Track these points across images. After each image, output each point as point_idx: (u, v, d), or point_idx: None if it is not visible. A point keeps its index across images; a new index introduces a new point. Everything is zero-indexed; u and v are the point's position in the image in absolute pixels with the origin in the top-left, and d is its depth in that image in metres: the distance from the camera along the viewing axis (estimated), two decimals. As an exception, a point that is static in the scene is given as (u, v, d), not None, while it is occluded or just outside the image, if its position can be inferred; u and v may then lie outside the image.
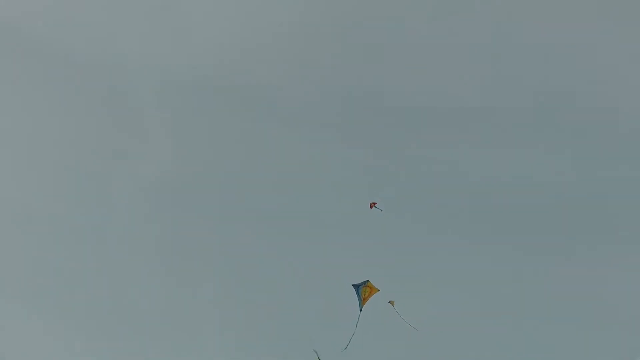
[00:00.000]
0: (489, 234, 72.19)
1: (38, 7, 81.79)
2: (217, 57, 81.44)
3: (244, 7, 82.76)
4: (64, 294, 71.02)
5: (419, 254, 70.44)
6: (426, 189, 74.04)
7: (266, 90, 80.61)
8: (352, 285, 49.95)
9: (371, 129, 77.96)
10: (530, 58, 79.58)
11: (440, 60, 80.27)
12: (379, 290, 49.88)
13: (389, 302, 51.01)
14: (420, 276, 68.48)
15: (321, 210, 73.78)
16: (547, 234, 72.52)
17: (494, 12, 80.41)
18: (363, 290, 49.58)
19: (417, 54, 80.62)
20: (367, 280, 49.70)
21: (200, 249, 73.48)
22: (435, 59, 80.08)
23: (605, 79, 78.18)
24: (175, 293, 71.21)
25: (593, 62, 78.56)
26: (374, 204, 51.89)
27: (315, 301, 68.48)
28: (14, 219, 74.37)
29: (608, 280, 68.91)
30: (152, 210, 75.72)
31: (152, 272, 72.22)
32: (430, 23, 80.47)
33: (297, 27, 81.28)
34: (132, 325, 69.27)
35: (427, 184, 74.35)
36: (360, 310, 49.75)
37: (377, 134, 77.59)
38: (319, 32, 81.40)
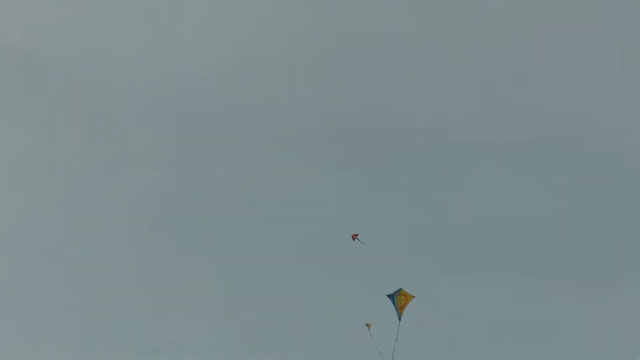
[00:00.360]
0: (488, 267, 72.00)
1: (25, 26, 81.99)
2: (205, 82, 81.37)
3: (234, 32, 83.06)
4: (40, 313, 69.77)
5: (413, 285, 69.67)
6: (422, 222, 74.16)
7: (252, 114, 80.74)
8: (387, 295, 49.06)
9: (368, 160, 78.35)
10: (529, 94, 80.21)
11: (440, 94, 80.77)
12: (414, 297, 48.99)
13: (366, 324, 50.54)
14: (421, 307, 67.40)
15: (307, 238, 73.21)
16: (546, 267, 72.50)
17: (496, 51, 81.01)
18: (398, 299, 48.98)
19: (415, 85, 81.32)
20: (400, 289, 48.86)
21: (180, 275, 72.67)
22: (435, 92, 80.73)
23: (603, 116, 78.92)
24: (151, 317, 70.11)
25: (592, 98, 79.40)
26: (356, 235, 51.44)
27: (300, 327, 68.13)
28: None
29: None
30: (133, 233, 75.01)
31: (129, 296, 71.07)
32: (429, 55, 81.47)
33: (287, 53, 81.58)
34: (106, 346, 67.90)
35: (423, 216, 74.53)
36: (400, 320, 48.87)
37: (374, 167, 77.97)
38: (311, 58, 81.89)
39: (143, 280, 71.88)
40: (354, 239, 51.22)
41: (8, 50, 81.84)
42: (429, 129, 79.02)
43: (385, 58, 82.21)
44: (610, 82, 79.81)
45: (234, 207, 76.05)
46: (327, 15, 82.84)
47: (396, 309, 48.64)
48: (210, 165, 78.94)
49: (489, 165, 78.16)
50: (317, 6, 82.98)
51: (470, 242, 73.35)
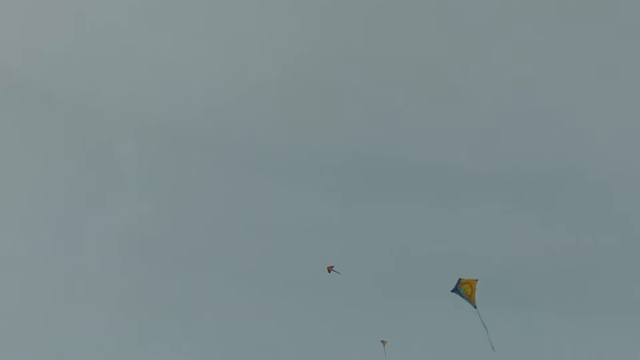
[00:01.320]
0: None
1: (17, 50, 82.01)
2: (197, 110, 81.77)
3: (228, 59, 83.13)
4: (26, 335, 69.67)
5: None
6: (418, 260, 73.58)
7: (244, 143, 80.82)
8: (451, 291, 48.35)
9: (361, 187, 78.01)
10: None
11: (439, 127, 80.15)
12: (477, 280, 48.08)
13: (382, 341, 51.17)
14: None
15: (298, 267, 73.34)
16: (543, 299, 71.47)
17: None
18: (464, 289, 47.96)
19: (413, 117, 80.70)
20: (460, 279, 47.99)
21: (170, 301, 72.69)
22: (433, 126, 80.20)
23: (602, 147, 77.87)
24: (137, 341, 70.02)
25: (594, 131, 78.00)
26: (332, 267, 51.41)
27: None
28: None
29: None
30: (123, 259, 74.65)
31: (118, 322, 70.90)
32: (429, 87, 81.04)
33: (282, 80, 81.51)
34: None
35: (419, 254, 74.01)
36: (475, 307, 48.03)
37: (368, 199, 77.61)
38: (305, 88, 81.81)
39: (131, 303, 71.80)
40: (329, 272, 51.37)
41: (3, 76, 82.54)
42: (426, 161, 78.85)
43: (384, 90, 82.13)
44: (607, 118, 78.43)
45: (225, 233, 76.24)
46: (324, 43, 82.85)
47: (467, 299, 47.99)
48: (201, 190, 79.11)
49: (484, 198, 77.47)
50: (315, 34, 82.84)
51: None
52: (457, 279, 48.13)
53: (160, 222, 77.57)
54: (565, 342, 67.81)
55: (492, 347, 49.24)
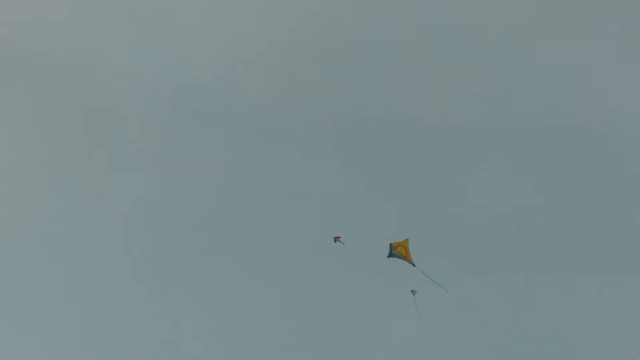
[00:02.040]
0: (487, 259, 71.76)
1: (19, 20, 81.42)
2: (203, 78, 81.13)
3: (233, 28, 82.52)
4: (42, 312, 70.10)
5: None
6: (421, 214, 73.77)
7: (249, 111, 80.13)
8: (388, 257, 49.75)
9: (364, 151, 77.91)
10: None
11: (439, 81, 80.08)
12: (407, 239, 49.82)
13: (411, 291, 51.99)
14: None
15: (305, 235, 72.86)
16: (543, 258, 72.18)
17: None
18: (399, 252, 48.99)
19: (413, 74, 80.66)
20: (391, 244, 49.05)
21: (181, 275, 72.51)
22: (433, 82, 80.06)
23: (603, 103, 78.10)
24: (153, 318, 69.98)
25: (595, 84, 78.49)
26: (338, 238, 51.56)
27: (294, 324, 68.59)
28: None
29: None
30: (133, 233, 74.56)
31: (131, 295, 71.20)
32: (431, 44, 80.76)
33: (286, 46, 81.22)
34: (109, 346, 68.41)
35: (422, 208, 74.10)
36: (415, 266, 49.75)
37: (369, 157, 77.52)
38: (308, 52, 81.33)
39: (142, 281, 72.02)
40: (335, 242, 51.63)
41: (3, 47, 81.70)
42: (429, 122, 78.68)
43: (384, 51, 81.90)
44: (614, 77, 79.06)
45: (233, 205, 76.04)
46: (324, 9, 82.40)
47: (404, 259, 49.46)
48: (209, 162, 78.80)
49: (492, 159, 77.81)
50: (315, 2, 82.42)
51: (471, 237, 73.29)
52: (389, 244, 49.87)
53: (170, 193, 77.16)
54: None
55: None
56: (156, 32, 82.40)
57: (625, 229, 72.39)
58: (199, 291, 71.24)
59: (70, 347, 67.64)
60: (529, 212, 74.17)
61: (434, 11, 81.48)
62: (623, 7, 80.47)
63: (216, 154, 78.63)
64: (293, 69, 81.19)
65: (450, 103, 79.18)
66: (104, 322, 69.23)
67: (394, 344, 64.64)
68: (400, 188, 75.27)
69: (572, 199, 74.68)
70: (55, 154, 78.66)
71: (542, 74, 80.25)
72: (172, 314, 70.13)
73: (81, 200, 76.13)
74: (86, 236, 73.64)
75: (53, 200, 76.24)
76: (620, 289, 68.40)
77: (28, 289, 70.85)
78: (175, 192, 76.89)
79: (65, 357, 67.23)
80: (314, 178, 76.03)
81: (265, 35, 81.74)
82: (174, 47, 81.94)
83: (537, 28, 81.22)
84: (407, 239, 49.54)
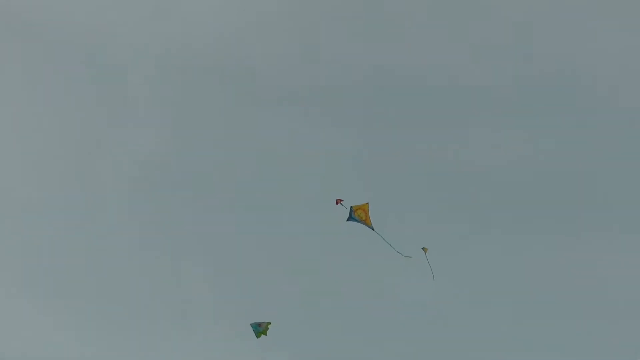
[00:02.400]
0: (485, 219, 72.28)
1: None
2: (211, 34, 79.92)
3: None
4: (49, 282, 70.22)
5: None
6: (416, 174, 74.23)
7: (259, 71, 79.38)
8: (347, 221, 48.60)
9: (354, 110, 78.05)
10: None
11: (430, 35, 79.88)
12: (367, 203, 48.53)
13: (423, 248, 51.06)
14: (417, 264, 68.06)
15: (313, 197, 72.71)
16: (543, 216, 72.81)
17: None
18: (358, 215, 48.46)
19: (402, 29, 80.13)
20: (351, 207, 48.27)
21: (189, 237, 72.64)
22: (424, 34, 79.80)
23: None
24: (164, 282, 70.56)
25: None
26: (340, 200, 51.53)
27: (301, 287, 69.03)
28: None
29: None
30: (140, 197, 74.66)
31: (140, 260, 71.28)
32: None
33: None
34: (118, 314, 68.72)
35: (418, 168, 74.52)
36: (373, 229, 48.59)
37: (360, 117, 77.68)
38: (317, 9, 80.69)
39: (145, 241, 72.49)
40: (337, 204, 51.80)
41: (3, 4, 79.95)
42: (419, 72, 78.45)
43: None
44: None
45: (238, 164, 76.43)
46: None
47: (364, 224, 48.38)
48: (214, 122, 78.83)
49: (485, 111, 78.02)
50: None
51: (466, 191, 73.87)
52: (349, 208, 48.17)
53: (176, 153, 77.25)
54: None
55: (403, 255, 50.23)
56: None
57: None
58: (202, 249, 71.86)
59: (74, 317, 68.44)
60: (529, 164, 74.81)
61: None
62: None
63: (221, 114, 78.64)
64: (296, 26, 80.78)
65: (447, 57, 79.13)
66: (109, 287, 69.83)
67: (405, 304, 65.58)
68: (396, 146, 75.68)
69: (574, 149, 75.32)
70: (57, 112, 78.42)
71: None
72: (178, 273, 70.94)
73: (84, 159, 76.30)
74: (88, 196, 73.87)
75: (55, 161, 76.40)
76: (624, 244, 69.32)
77: (29, 260, 71.23)
78: (179, 151, 77.15)
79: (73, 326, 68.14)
80: (316, 137, 76.27)
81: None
82: (180, 2, 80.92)
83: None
84: (367, 203, 48.17)
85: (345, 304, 67.82)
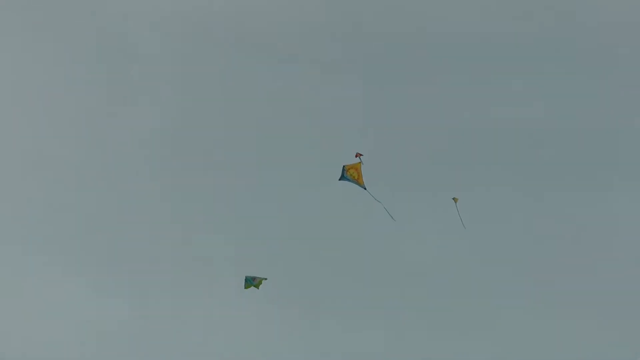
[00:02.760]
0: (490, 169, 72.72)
1: None
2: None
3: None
4: (66, 237, 71.78)
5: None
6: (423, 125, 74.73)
7: (266, 32, 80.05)
8: (339, 180, 49.62)
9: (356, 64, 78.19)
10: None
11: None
12: (360, 162, 49.55)
13: (453, 199, 52.70)
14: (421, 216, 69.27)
15: (320, 152, 74.27)
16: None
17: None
18: (350, 175, 49.47)
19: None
20: (344, 166, 49.32)
21: (204, 199, 74.10)
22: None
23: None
24: (179, 242, 71.73)
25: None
26: (360, 154, 52.13)
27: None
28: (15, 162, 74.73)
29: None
30: (153, 161, 75.73)
31: (155, 221, 72.76)
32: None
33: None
34: (135, 268, 70.20)
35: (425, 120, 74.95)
36: (365, 189, 49.59)
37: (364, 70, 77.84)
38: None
39: (166, 204, 73.36)
40: (357, 157, 52.29)
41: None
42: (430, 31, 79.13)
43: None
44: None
45: (249, 122, 77.09)
46: None
47: (356, 183, 49.49)
48: (223, 80, 79.20)
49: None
50: None
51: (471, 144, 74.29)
52: (342, 167, 49.14)
53: (187, 119, 77.78)
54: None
55: (392, 217, 51.29)
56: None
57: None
58: (213, 208, 73.10)
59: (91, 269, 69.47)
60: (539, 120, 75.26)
61: None
62: None
63: (230, 76, 79.01)
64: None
65: (460, 15, 79.34)
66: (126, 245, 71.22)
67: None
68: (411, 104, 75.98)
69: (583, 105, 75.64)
70: (64, 80, 78.85)
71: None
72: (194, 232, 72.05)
73: (91, 129, 77.22)
74: (97, 165, 75.18)
75: (62, 127, 77.03)
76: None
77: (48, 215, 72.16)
78: (188, 117, 77.81)
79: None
80: (333, 94, 76.67)
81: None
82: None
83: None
84: (360, 162, 49.08)
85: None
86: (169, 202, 72.60)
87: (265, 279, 48.30)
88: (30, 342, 65.97)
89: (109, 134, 75.74)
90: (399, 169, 71.40)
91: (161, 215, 71.90)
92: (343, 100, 76.04)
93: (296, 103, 76.66)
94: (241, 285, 49.70)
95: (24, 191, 72.98)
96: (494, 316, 65.93)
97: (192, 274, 69.03)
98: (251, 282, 48.30)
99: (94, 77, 77.95)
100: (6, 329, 66.69)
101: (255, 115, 76.59)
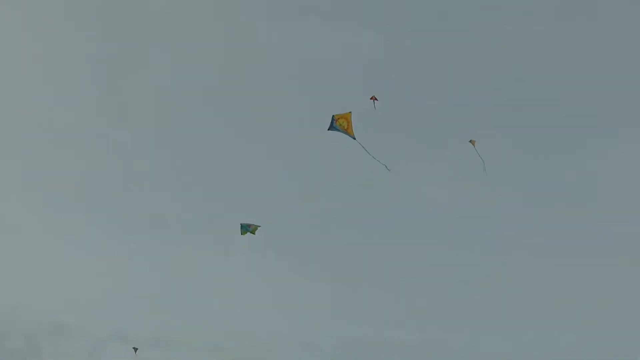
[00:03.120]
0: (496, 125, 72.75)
1: None
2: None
3: None
4: (83, 197, 72.75)
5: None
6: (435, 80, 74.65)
7: None
8: (328, 130, 49.26)
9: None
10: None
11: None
12: (350, 112, 49.11)
13: (470, 141, 53.24)
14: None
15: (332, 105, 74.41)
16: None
17: None
18: (340, 124, 48.94)
19: None
20: (333, 116, 48.96)
21: (218, 151, 75.89)
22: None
23: None
24: (190, 195, 72.44)
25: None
26: (375, 98, 52.21)
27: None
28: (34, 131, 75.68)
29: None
30: (167, 114, 76.98)
31: (167, 174, 73.49)
32: None
33: None
34: (150, 226, 71.04)
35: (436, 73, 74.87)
36: (355, 139, 49.16)
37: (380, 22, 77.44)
38: None
39: (184, 160, 74.04)
40: (372, 99, 52.71)
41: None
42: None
43: None
44: None
45: (269, 75, 76.93)
46: None
47: (345, 133, 48.88)
48: (242, 38, 79.36)
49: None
50: None
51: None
52: (331, 116, 48.54)
53: (204, 75, 78.22)
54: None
55: (386, 167, 51.26)
56: None
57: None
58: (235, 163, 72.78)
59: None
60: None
61: None
62: None
63: (250, 33, 79.23)
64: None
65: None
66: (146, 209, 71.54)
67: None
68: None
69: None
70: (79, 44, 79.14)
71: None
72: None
73: (112, 86, 77.74)
74: (119, 121, 75.84)
75: (82, 83, 77.73)
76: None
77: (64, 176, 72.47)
78: (210, 71, 78.02)
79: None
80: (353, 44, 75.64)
81: None
82: None
83: None
84: (350, 112, 48.81)
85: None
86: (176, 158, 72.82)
87: (259, 226, 49.82)
88: (57, 300, 67.89)
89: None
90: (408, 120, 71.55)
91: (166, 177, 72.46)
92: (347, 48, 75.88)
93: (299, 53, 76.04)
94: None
95: (46, 160, 74.49)
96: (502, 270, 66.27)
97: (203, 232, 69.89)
98: (247, 228, 49.99)
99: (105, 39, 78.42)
100: (35, 287, 68.69)
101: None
